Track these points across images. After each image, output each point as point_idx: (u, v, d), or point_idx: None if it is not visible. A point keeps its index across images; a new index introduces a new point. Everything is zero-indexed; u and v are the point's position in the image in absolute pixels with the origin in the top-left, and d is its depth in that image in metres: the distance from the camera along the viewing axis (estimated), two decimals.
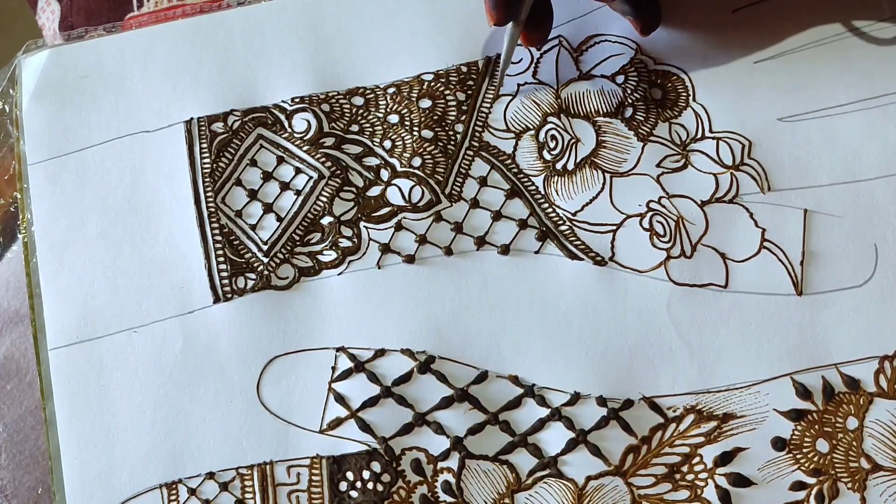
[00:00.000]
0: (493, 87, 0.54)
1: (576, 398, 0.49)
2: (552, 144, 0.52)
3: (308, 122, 0.54)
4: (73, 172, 0.54)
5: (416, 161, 0.53)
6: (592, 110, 0.53)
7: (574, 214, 0.51)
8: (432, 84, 0.54)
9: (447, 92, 0.54)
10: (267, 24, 0.56)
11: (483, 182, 0.52)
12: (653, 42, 0.53)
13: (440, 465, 0.49)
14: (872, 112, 0.51)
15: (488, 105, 0.54)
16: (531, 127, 0.53)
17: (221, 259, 0.52)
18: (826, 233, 0.49)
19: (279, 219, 0.53)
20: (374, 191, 0.53)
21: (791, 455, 0.47)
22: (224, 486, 0.50)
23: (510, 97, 0.53)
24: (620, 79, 0.53)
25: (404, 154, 0.53)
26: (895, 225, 0.49)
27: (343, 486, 0.50)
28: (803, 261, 0.49)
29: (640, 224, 0.51)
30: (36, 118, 0.55)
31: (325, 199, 0.53)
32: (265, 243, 0.52)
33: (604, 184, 0.51)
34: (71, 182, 0.54)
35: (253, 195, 0.53)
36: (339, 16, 0.55)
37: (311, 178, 0.53)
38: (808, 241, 0.49)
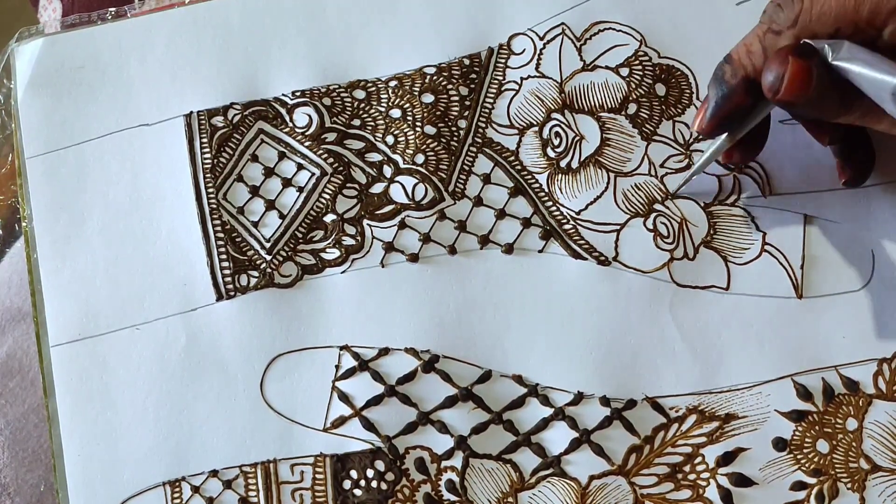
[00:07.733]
0: (496, 82, 0.53)
1: (579, 398, 0.49)
2: (556, 142, 0.52)
3: (309, 116, 0.54)
4: (72, 167, 0.54)
5: (420, 158, 0.53)
6: (597, 104, 0.52)
7: (578, 213, 0.51)
8: (434, 78, 0.53)
9: (450, 86, 0.53)
10: (266, 14, 0.55)
11: (486, 179, 0.52)
12: (658, 33, 0.53)
13: (444, 463, 0.50)
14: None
15: (491, 100, 0.53)
16: (535, 123, 0.53)
17: (224, 256, 0.52)
18: (825, 237, 0.50)
19: (282, 216, 0.52)
20: (378, 188, 0.53)
21: (792, 455, 0.48)
22: (227, 484, 0.50)
23: (514, 92, 0.53)
24: (625, 71, 0.53)
25: (407, 150, 0.53)
26: (891, 231, 0.50)
27: (347, 484, 0.50)
28: (803, 264, 0.50)
29: (644, 225, 0.51)
30: (32, 110, 0.54)
31: (327, 197, 0.52)
32: (268, 241, 0.52)
33: (608, 183, 0.51)
34: (70, 177, 0.54)
35: (255, 191, 0.53)
36: (340, 5, 0.55)
37: (313, 174, 0.53)
38: (808, 245, 0.50)
